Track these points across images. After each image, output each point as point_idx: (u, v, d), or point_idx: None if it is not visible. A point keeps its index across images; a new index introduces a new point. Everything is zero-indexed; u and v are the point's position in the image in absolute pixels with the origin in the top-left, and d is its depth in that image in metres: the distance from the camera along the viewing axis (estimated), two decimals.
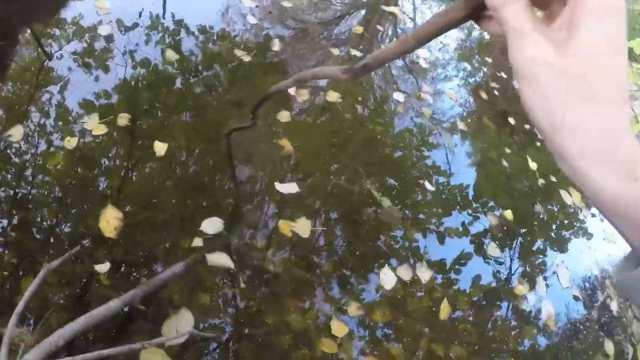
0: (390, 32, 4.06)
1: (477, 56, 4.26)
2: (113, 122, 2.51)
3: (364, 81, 3.31)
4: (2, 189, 2.17)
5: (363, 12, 4.25)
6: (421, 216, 2.73)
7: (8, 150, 2.39)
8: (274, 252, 2.28)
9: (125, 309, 1.80)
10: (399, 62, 3.59)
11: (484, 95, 3.77)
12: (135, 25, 3.25)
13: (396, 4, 4.34)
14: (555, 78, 0.36)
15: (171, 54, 3.05)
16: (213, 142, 2.64)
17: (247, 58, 3.15)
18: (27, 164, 2.32)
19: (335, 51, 3.52)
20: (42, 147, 2.39)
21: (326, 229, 2.43)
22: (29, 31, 3.15)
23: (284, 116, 2.81)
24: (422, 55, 3.78)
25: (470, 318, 2.45)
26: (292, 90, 2.93)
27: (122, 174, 2.38)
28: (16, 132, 2.39)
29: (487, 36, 4.28)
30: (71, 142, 2.37)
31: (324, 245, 2.42)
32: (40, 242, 2.04)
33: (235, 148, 2.58)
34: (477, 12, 0.45)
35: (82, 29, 3.17)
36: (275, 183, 2.45)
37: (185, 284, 2.00)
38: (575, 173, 0.38)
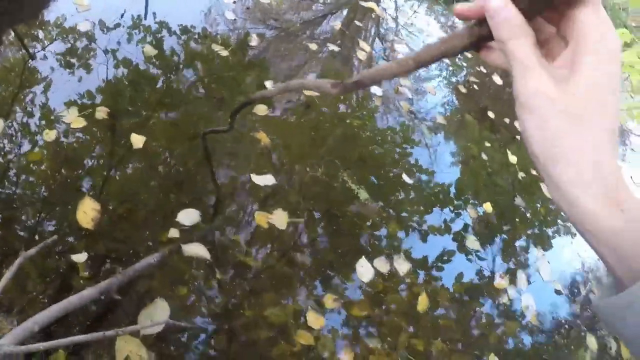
0: (372, 31, 4.13)
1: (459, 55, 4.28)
2: (91, 115, 2.57)
3: (338, 73, 3.39)
4: None
5: (345, 11, 4.33)
6: (403, 214, 2.79)
7: None
8: (251, 245, 2.33)
9: (102, 298, 1.86)
10: (380, 60, 3.66)
11: (463, 91, 3.85)
12: (117, 25, 3.31)
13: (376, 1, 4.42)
14: (556, 112, 0.39)
15: (149, 49, 3.13)
16: (191, 138, 2.69)
17: (224, 53, 3.21)
18: (7, 161, 2.36)
19: (314, 46, 3.59)
20: (24, 144, 2.45)
21: (304, 222, 2.48)
22: (12, 32, 3.24)
23: (260, 109, 2.87)
24: (401, 50, 3.86)
25: (452, 315, 2.50)
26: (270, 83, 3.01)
27: (100, 167, 2.42)
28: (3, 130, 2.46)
29: None
30: (50, 135, 2.43)
31: (302, 238, 2.47)
32: (17, 234, 2.10)
33: (212, 142, 2.64)
34: (480, 42, 0.48)
35: (64, 30, 3.24)
36: (252, 175, 2.51)
37: (161, 275, 2.05)
38: (566, 200, 0.41)
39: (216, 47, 3.26)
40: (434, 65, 3.90)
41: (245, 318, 2.05)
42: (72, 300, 1.74)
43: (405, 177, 2.89)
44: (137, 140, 2.47)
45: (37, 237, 2.08)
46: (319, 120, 3.02)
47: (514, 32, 0.40)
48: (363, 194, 2.62)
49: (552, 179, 0.41)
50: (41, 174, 2.34)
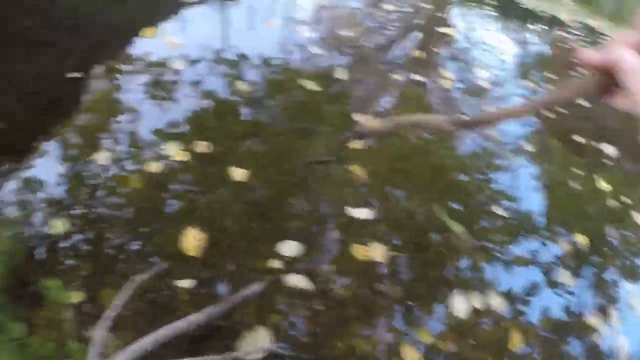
0: (448, 54, 4.14)
1: (537, 72, 4.30)
2: (191, 149, 2.71)
3: (426, 105, 3.43)
4: (91, 209, 2.41)
5: (418, 34, 4.38)
6: (488, 244, 2.76)
7: (90, 173, 2.65)
8: (346, 276, 2.36)
9: (204, 324, 1.92)
10: (459, 84, 3.66)
11: (548, 114, 3.80)
12: (200, 59, 3.48)
13: (448, 25, 4.44)
14: None
15: (239, 85, 3.25)
16: (285, 168, 2.75)
17: (311, 86, 3.31)
18: (109, 187, 2.50)
19: (396, 76, 3.64)
20: (123, 171, 2.59)
21: (397, 255, 2.50)
22: (103, 65, 3.45)
23: (354, 143, 2.92)
24: (483, 75, 3.87)
25: (537, 354, 2.42)
26: (360, 117, 3.06)
27: (202, 197, 2.50)
28: (101, 157, 2.63)
29: (546, 51, 4.31)
30: (152, 166, 2.58)
31: (394, 270, 2.48)
32: (125, 259, 2.22)
33: (308, 174, 2.72)
34: (606, 90, 0.52)
35: (151, 64, 3.43)
36: (348, 208, 2.57)
37: (261, 304, 2.11)
38: None
39: (302, 82, 3.36)
40: (513, 87, 3.90)
41: (336, 349, 2.07)
42: (178, 325, 1.82)
43: (490, 205, 2.86)
44: (237, 173, 2.60)
45: (136, 259, 2.21)
46: (408, 151, 3.08)
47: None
48: (457, 228, 2.62)
49: None
50: (144, 201, 2.45)
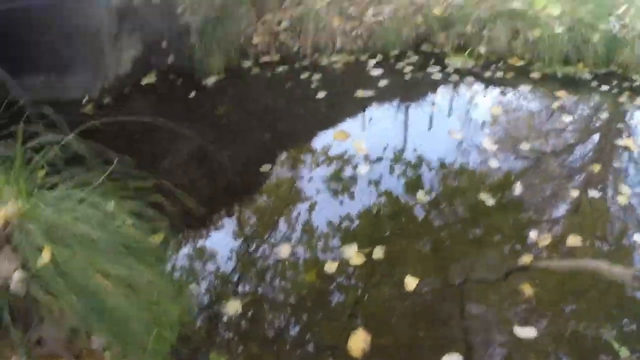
0: (626, 168, 3.91)
1: None
2: (369, 254, 2.78)
3: (600, 220, 3.31)
4: (259, 288, 2.61)
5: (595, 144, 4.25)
6: None
7: (263, 254, 2.87)
8: None
9: None
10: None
11: None
12: (380, 158, 3.65)
13: (627, 135, 4.23)
14: None
15: (415, 186, 3.37)
16: (449, 277, 2.76)
17: (490, 201, 3.27)
18: (280, 270, 2.70)
19: (572, 189, 3.51)
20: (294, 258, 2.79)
21: None
22: (285, 154, 3.77)
23: (525, 260, 2.82)
24: None
25: None
26: (534, 235, 2.99)
27: (373, 302, 2.56)
28: (284, 250, 2.82)
29: None
30: (331, 267, 2.70)
31: None
32: (286, 342, 2.34)
33: (473, 287, 2.69)
34: None
35: (330, 158, 3.67)
36: (514, 325, 2.47)
37: None
38: None
39: (476, 186, 3.39)
40: None
41: None
42: None
43: None
44: (411, 283, 2.61)
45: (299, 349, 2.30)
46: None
47: None
48: (624, 352, 2.39)
49: None
50: (314, 294, 2.59)
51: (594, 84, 5.31)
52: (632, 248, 2.98)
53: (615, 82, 5.37)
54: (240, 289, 2.61)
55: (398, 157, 3.71)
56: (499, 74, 5.34)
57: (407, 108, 4.62)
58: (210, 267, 2.76)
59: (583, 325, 2.52)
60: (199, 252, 2.86)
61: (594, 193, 3.48)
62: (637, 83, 5.39)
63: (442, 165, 3.66)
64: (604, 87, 5.24)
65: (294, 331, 2.42)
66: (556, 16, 5.65)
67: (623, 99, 5.01)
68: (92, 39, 4.11)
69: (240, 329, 2.40)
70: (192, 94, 4.49)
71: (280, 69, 5.09)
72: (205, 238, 2.99)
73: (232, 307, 2.45)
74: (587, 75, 5.49)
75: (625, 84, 5.36)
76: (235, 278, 2.69)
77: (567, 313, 2.59)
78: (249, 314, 2.45)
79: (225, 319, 2.42)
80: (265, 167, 3.54)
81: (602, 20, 5.82)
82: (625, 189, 3.51)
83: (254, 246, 2.91)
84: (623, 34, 5.71)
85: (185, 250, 2.87)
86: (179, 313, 2.22)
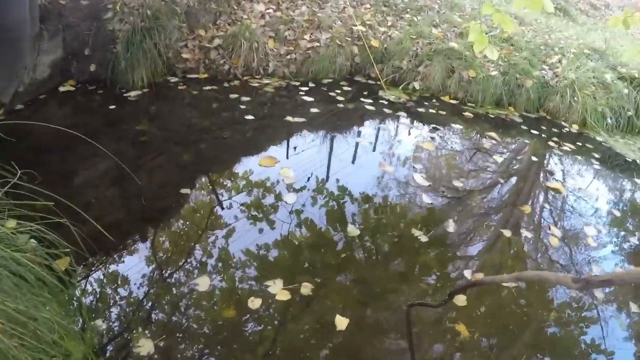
0: (553, 208, 4.12)
1: None
2: (296, 290, 2.73)
3: (539, 266, 3.38)
4: (172, 317, 2.49)
5: (523, 185, 4.43)
6: None
7: (177, 281, 2.77)
8: None
9: None
10: (564, 240, 3.59)
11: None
12: (303, 187, 3.63)
13: (553, 176, 4.47)
14: None
15: (337, 219, 3.38)
16: (383, 310, 2.76)
17: (410, 228, 3.36)
18: (206, 312, 2.57)
19: (507, 233, 3.58)
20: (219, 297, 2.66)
21: None
22: (206, 178, 3.71)
23: (460, 300, 2.85)
24: (590, 233, 3.76)
25: None
26: (468, 274, 3.08)
27: (301, 342, 2.49)
28: (202, 282, 2.71)
29: None
30: (255, 303, 2.61)
31: None
32: None
33: (416, 325, 2.71)
34: None
35: (252, 184, 3.61)
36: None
37: None
38: None
39: (400, 221, 3.44)
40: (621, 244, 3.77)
41: None
42: None
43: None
44: (341, 322, 2.57)
45: None
46: (516, 312, 2.92)
47: None
48: None
49: None
50: (232, 329, 2.49)
51: (524, 127, 5.58)
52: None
53: (544, 127, 5.67)
54: (153, 325, 2.45)
55: (326, 188, 3.71)
56: (432, 111, 5.48)
57: (338, 137, 4.65)
58: (121, 299, 2.59)
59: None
60: (108, 281, 2.68)
61: (525, 232, 3.66)
62: (565, 129, 5.71)
63: (372, 197, 3.71)
64: (534, 131, 5.52)
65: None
66: (493, 60, 5.94)
67: (552, 143, 5.30)
68: (8, 37, 3.97)
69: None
70: (113, 107, 4.35)
71: (208, 87, 5.04)
72: (116, 265, 2.80)
73: (145, 346, 2.29)
74: (517, 119, 5.77)
75: (554, 130, 5.66)
76: (148, 311, 2.53)
77: (496, 349, 2.69)
78: (163, 353, 2.30)
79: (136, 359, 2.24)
80: (185, 190, 3.44)
81: (536, 67, 6.17)
82: (555, 229, 3.72)
83: (168, 276, 2.77)
84: (554, 82, 6.07)
85: (93, 279, 2.68)
86: (82, 354, 2.04)
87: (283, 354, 2.41)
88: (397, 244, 3.31)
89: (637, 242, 3.85)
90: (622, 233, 4.03)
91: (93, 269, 2.72)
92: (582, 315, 3.03)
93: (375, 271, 3.04)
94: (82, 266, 2.60)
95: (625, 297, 3.18)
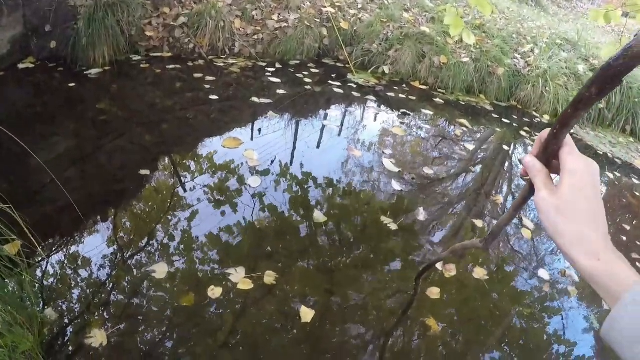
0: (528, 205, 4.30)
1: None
2: (259, 279, 2.77)
3: (511, 259, 3.49)
4: (131, 300, 2.52)
5: (497, 169, 4.56)
6: None
7: (137, 263, 2.79)
8: None
9: None
10: (546, 245, 3.77)
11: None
12: (267, 171, 3.70)
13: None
14: (553, 209, 0.75)
15: (301, 203, 3.45)
16: (347, 300, 2.83)
17: (393, 227, 3.43)
18: (163, 301, 2.57)
19: (479, 222, 3.75)
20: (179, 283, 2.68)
21: None
22: (168, 159, 3.76)
23: (433, 293, 2.97)
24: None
25: None
26: (439, 266, 3.20)
27: (262, 336, 2.52)
28: (160, 269, 2.71)
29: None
30: (215, 292, 2.62)
31: None
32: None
33: (384, 318, 2.78)
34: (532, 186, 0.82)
35: (214, 165, 3.69)
36: None
37: None
38: (567, 257, 0.74)
39: (385, 220, 3.49)
40: None
41: None
42: None
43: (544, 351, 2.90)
44: (306, 314, 2.62)
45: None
46: (488, 306, 3.06)
47: (536, 172, 0.81)
48: None
49: (560, 247, 0.75)
50: (189, 317, 2.51)
51: (495, 115, 5.75)
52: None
53: (515, 117, 5.85)
54: (107, 313, 2.44)
55: (291, 171, 3.79)
56: (402, 96, 5.60)
57: (305, 120, 4.74)
58: (75, 285, 2.58)
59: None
60: (61, 266, 2.66)
61: (496, 222, 3.79)
62: (536, 120, 5.90)
63: (339, 183, 3.81)
64: (505, 120, 5.69)
65: (162, 344, 2.36)
66: (464, 46, 6.10)
67: (523, 133, 5.48)
68: None
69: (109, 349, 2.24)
70: (72, 85, 4.37)
71: (172, 66, 5.06)
72: (72, 249, 2.79)
73: (97, 337, 2.27)
74: (488, 107, 5.94)
75: (525, 119, 5.84)
76: (103, 299, 2.52)
77: (474, 348, 2.81)
78: (115, 345, 2.29)
79: (88, 351, 2.23)
80: (145, 171, 3.47)
81: (508, 55, 6.35)
82: (527, 222, 3.88)
83: (126, 260, 2.78)
84: (526, 72, 6.25)
85: (46, 264, 2.66)
86: (31, 346, 1.98)
87: (243, 342, 2.45)
88: (365, 231, 3.40)
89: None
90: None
91: (47, 253, 2.73)
92: (552, 307, 3.17)
93: (343, 259, 3.11)
94: (33, 250, 2.54)
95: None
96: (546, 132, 0.81)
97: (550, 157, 0.81)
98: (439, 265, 3.15)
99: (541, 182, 0.79)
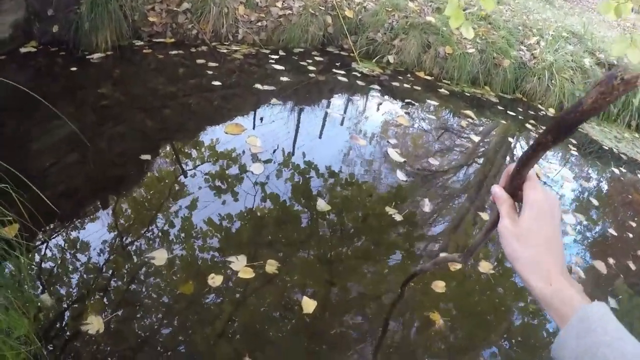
0: None
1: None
2: (261, 267, 2.73)
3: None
4: (129, 286, 2.49)
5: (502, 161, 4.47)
6: None
7: (136, 249, 2.79)
8: None
9: None
10: None
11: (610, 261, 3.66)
12: (269, 160, 3.67)
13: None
14: (513, 236, 0.82)
15: (303, 192, 3.42)
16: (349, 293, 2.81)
17: (397, 217, 3.40)
18: (162, 288, 2.55)
19: (484, 215, 3.73)
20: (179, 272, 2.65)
21: None
22: (170, 146, 3.75)
23: (438, 286, 2.93)
24: (568, 221, 3.92)
25: None
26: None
27: (262, 326, 2.48)
28: (159, 256, 2.67)
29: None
30: (216, 280, 2.58)
31: None
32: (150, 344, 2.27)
33: (389, 313, 2.76)
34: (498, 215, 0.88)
35: (217, 153, 3.67)
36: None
37: None
38: (526, 283, 0.80)
39: (389, 210, 3.45)
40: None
41: None
42: None
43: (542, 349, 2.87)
44: (308, 305, 2.58)
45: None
46: (495, 300, 3.05)
47: (502, 202, 0.87)
48: None
49: (518, 271, 0.81)
50: (188, 305, 2.48)
51: (500, 107, 5.71)
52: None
53: (520, 109, 5.81)
54: (105, 299, 2.41)
55: (294, 159, 3.77)
56: (407, 86, 5.56)
57: (308, 108, 4.71)
58: (73, 270, 2.54)
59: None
60: (60, 251, 2.63)
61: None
62: (542, 113, 5.85)
63: (343, 172, 3.79)
64: (511, 113, 5.65)
65: (160, 331, 2.33)
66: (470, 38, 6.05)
67: (529, 126, 5.44)
68: None
69: (101, 351, 2.19)
70: (74, 69, 4.33)
71: (175, 52, 5.02)
72: (71, 233, 2.77)
73: (95, 323, 2.23)
74: (493, 99, 5.90)
75: (531, 112, 5.80)
76: (101, 285, 2.49)
77: (478, 344, 2.78)
78: (112, 333, 2.26)
79: (84, 338, 2.20)
80: (146, 156, 3.43)
81: (513, 47, 6.30)
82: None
83: (125, 246, 2.76)
84: (532, 64, 6.21)
85: (44, 247, 2.64)
86: (26, 330, 1.92)
87: (242, 331, 2.42)
88: (369, 222, 3.37)
89: (615, 232, 3.98)
90: (601, 222, 4.19)
91: (46, 237, 2.70)
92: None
93: (345, 249, 3.10)
94: (33, 234, 2.52)
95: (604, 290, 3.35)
96: (512, 166, 0.88)
97: (515, 189, 0.88)
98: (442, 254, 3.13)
99: (505, 211, 0.87)
